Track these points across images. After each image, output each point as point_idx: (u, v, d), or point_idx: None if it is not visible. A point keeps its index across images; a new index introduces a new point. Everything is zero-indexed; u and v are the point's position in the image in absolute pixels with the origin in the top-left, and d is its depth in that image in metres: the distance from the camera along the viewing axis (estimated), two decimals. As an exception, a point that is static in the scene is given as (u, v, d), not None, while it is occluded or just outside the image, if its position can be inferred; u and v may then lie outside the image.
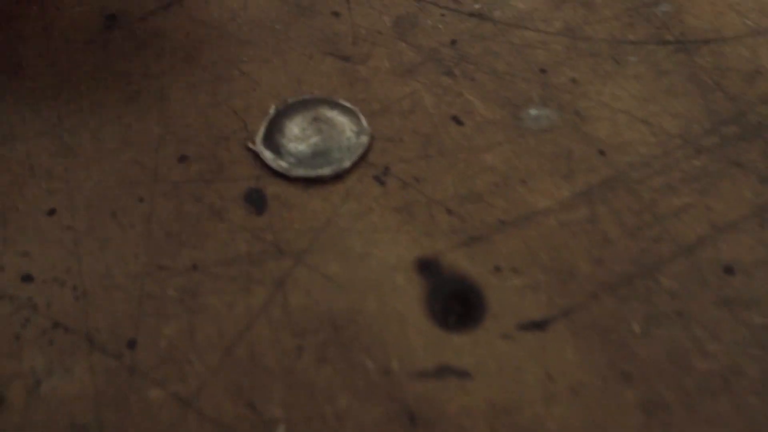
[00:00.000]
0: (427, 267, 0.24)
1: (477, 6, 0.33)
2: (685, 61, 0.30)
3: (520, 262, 0.24)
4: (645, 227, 0.24)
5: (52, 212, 0.25)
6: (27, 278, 0.23)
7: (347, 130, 0.27)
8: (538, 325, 0.22)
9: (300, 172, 0.26)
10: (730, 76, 0.30)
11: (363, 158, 0.27)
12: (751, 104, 0.28)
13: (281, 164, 0.26)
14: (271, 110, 0.28)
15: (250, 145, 0.25)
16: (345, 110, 0.28)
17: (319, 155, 0.26)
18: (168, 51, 0.31)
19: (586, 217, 0.25)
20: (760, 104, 0.28)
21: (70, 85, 0.29)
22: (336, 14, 0.33)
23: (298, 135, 0.27)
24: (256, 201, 0.25)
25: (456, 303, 0.23)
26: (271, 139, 0.27)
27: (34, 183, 0.26)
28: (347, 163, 0.26)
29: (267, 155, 0.26)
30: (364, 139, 0.27)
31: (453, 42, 0.31)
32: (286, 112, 0.28)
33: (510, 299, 0.23)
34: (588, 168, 0.26)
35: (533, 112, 0.28)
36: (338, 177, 0.26)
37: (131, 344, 0.22)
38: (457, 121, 0.28)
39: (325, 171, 0.26)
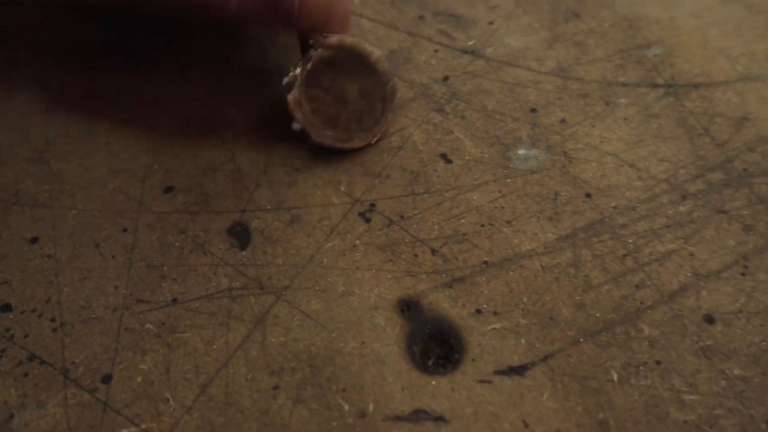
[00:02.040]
0: (408, 307, 0.23)
1: (470, 43, 0.33)
2: (674, 105, 0.30)
3: (501, 305, 0.24)
4: (628, 273, 0.24)
5: (34, 240, 0.25)
6: (6, 308, 0.23)
7: None
8: (517, 371, 0.22)
9: None
10: (719, 122, 0.30)
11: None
12: (738, 151, 0.28)
13: None
14: None
15: None
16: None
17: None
18: (160, 75, 0.31)
19: (569, 261, 0.25)
20: (746, 151, 0.28)
21: (60, 110, 0.30)
22: (329, 46, 0.33)
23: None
24: (239, 235, 0.25)
25: (435, 345, 0.23)
26: None
27: (18, 210, 0.26)
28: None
29: None
30: None
31: (445, 78, 0.32)
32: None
33: (490, 343, 0.23)
34: (574, 210, 0.26)
35: (522, 152, 0.28)
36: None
37: (106, 379, 0.22)
38: (446, 159, 0.28)
39: None
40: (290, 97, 0.26)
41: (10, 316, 0.23)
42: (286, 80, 0.27)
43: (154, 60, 0.32)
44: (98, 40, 0.30)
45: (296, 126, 0.27)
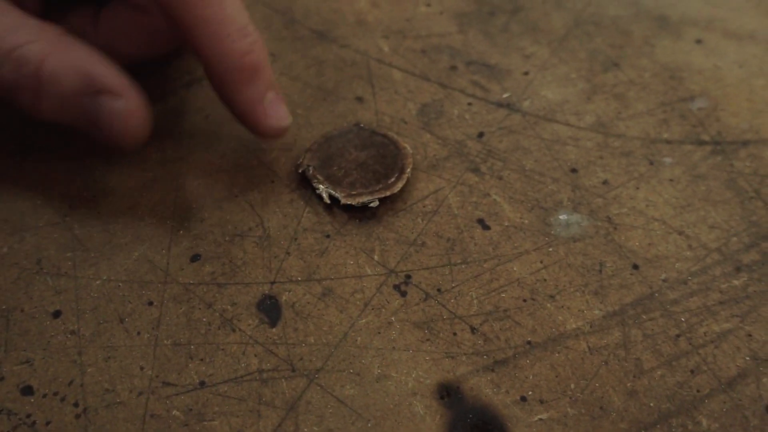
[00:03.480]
0: (448, 394, 0.22)
1: (505, 95, 0.32)
2: (722, 165, 0.29)
3: (547, 391, 0.22)
4: (682, 356, 0.23)
5: (57, 314, 0.24)
6: (27, 391, 0.22)
7: None
8: (567, 468, 0.21)
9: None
10: (771, 184, 0.28)
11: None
12: (795, 218, 0.27)
13: None
14: None
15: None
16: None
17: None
18: (186, 134, 0.30)
19: (618, 342, 0.23)
20: (804, 219, 0.27)
21: (84, 170, 0.29)
22: (360, 99, 0.32)
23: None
24: (269, 310, 0.24)
25: (478, 437, 0.21)
26: None
27: (41, 280, 0.25)
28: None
29: None
30: None
31: (480, 134, 0.30)
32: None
33: (536, 436, 0.21)
34: (621, 284, 0.25)
35: (563, 217, 0.27)
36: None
37: (131, 473, 0.21)
38: (483, 224, 0.27)
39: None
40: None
41: (32, 400, 0.22)
42: (301, 170, 0.28)
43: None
44: (163, 55, 0.30)
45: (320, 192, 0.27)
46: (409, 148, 0.28)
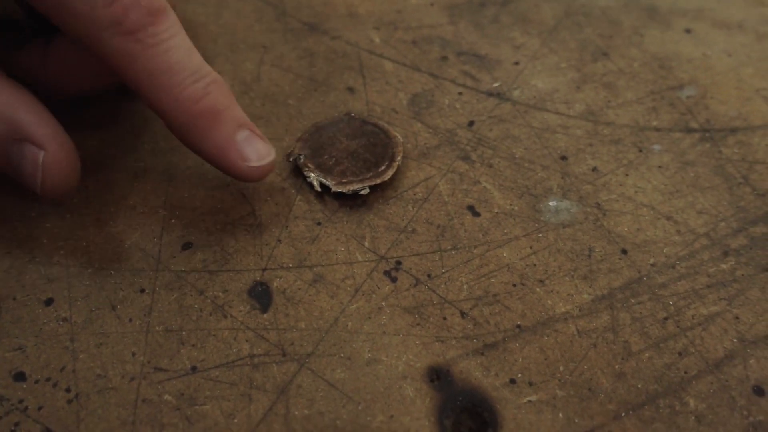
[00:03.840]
0: (438, 377, 0.22)
1: (496, 85, 0.32)
2: (711, 152, 0.29)
3: (537, 374, 0.22)
4: (670, 339, 0.23)
5: (49, 302, 0.24)
6: (20, 377, 0.22)
7: None
8: (555, 449, 0.21)
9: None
10: (759, 170, 0.28)
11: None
12: (782, 203, 0.27)
13: None
14: None
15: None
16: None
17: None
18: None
19: (607, 325, 0.23)
20: (790, 203, 0.27)
21: (76, 161, 0.29)
22: (351, 90, 0.32)
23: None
24: (260, 296, 0.24)
25: (468, 419, 0.22)
26: None
27: (33, 269, 0.25)
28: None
29: None
30: None
31: (470, 123, 0.30)
32: (295, 198, 0.27)
33: (526, 417, 0.21)
34: (609, 268, 0.25)
35: (553, 204, 0.27)
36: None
37: (123, 457, 0.21)
38: (474, 211, 0.27)
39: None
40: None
41: (24, 386, 0.22)
42: (292, 158, 0.28)
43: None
44: (116, 88, 0.30)
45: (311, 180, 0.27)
46: (399, 137, 0.28)
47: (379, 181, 0.27)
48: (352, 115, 0.30)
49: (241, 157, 0.24)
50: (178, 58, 0.23)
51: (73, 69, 0.27)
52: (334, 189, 0.27)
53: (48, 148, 0.23)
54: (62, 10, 0.22)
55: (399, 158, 0.27)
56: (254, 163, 0.24)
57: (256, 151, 0.24)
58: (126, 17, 0.22)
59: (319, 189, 0.27)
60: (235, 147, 0.24)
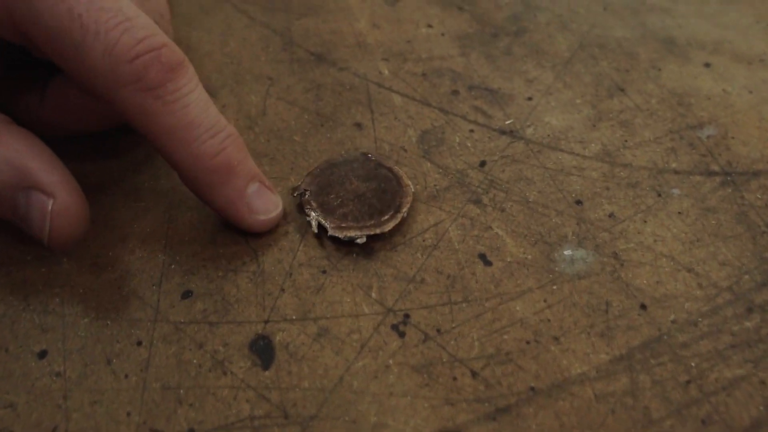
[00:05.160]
0: (447, 444, 0.21)
1: (508, 122, 0.31)
2: (732, 197, 0.28)
3: (551, 442, 0.21)
4: (692, 404, 0.22)
5: (43, 354, 0.23)
6: (9, 438, 0.21)
7: None
8: None
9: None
10: (783, 218, 0.27)
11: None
12: (808, 255, 0.26)
13: None
14: None
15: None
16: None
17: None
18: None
19: (626, 389, 0.22)
20: (818, 256, 0.26)
21: (74, 200, 0.28)
22: (359, 125, 0.31)
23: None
24: (262, 351, 0.23)
25: (479, 490, 0.20)
26: None
27: (27, 317, 0.24)
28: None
29: None
30: None
31: (482, 164, 0.29)
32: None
33: (540, 490, 0.20)
34: (628, 326, 0.24)
35: (568, 252, 0.26)
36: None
37: None
38: (485, 260, 0.26)
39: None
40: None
41: (14, 448, 0.21)
42: (296, 193, 0.27)
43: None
44: (119, 126, 0.29)
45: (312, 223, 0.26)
46: (411, 187, 0.27)
47: (378, 231, 0.26)
48: (369, 155, 0.29)
49: (250, 209, 0.24)
50: (196, 114, 0.23)
51: (73, 109, 0.26)
52: (330, 233, 0.26)
53: (57, 195, 0.22)
54: (80, 66, 0.21)
55: (405, 210, 0.26)
56: (262, 217, 0.25)
57: (266, 203, 0.25)
58: (146, 74, 0.21)
59: (315, 231, 0.26)
60: (244, 200, 0.24)
